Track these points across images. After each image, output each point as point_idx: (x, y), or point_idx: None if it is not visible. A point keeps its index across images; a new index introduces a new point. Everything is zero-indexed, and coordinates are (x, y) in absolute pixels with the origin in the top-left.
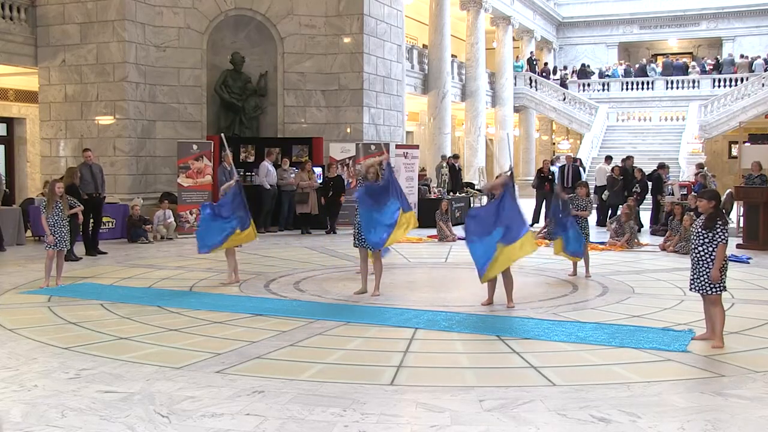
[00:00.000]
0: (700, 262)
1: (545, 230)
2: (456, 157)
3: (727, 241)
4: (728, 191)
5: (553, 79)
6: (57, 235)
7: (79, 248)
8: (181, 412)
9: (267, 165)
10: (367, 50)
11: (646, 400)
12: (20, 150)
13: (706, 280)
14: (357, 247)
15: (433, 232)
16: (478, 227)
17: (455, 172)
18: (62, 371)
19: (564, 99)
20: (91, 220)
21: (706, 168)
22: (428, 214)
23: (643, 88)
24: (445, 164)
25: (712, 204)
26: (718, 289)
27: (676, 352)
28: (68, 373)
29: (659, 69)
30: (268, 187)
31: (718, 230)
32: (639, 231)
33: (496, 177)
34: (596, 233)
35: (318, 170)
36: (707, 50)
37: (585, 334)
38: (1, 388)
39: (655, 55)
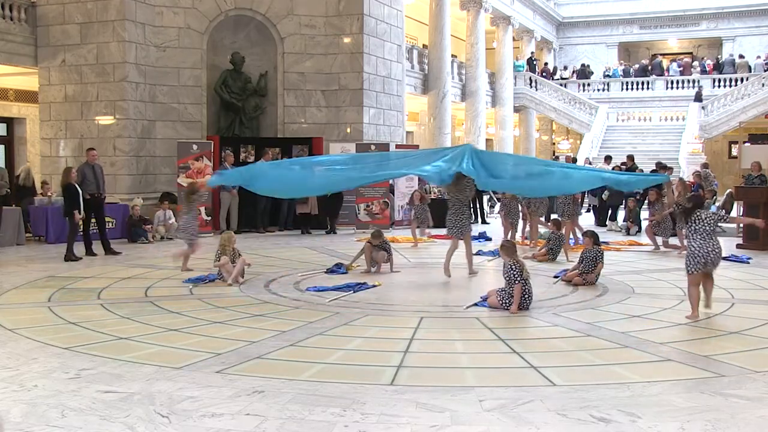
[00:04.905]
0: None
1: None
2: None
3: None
4: (728, 191)
5: (554, 80)
6: None
7: (79, 248)
8: (181, 412)
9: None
10: (367, 50)
11: (646, 400)
12: (20, 150)
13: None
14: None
15: (433, 232)
16: None
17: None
18: (62, 371)
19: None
20: (92, 221)
21: (708, 169)
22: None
23: (643, 88)
24: None
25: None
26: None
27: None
28: (68, 373)
29: (660, 69)
30: None
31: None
32: (638, 232)
33: None
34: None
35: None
36: (707, 50)
37: None
38: (1, 388)
39: (655, 55)
